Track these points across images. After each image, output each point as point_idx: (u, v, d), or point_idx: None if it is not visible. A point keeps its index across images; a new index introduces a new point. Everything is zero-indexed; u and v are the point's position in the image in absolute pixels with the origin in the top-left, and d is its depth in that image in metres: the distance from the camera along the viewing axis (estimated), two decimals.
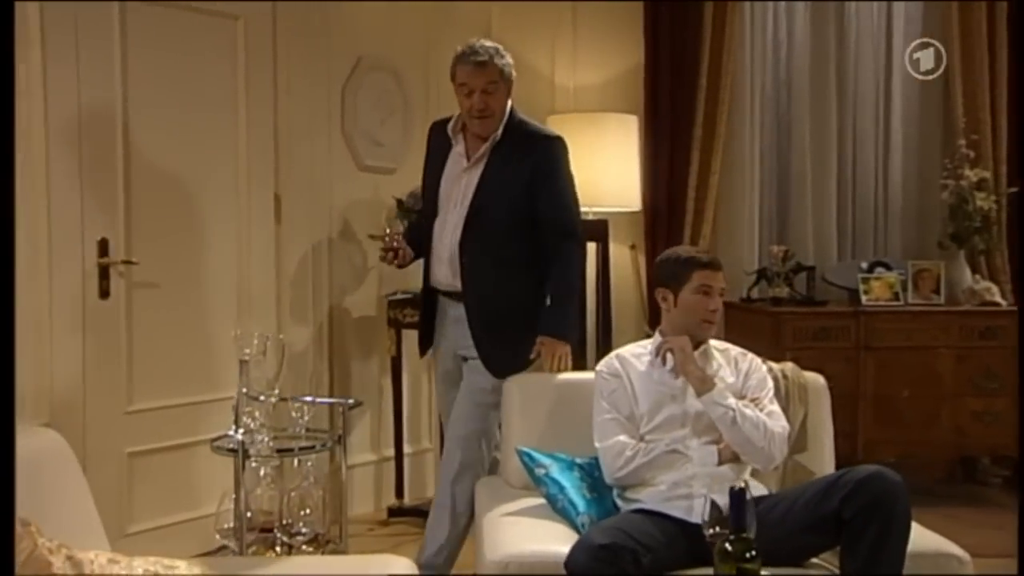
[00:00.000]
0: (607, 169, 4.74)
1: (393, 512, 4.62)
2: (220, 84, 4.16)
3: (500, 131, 3.39)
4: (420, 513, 4.20)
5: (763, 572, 2.64)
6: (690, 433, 2.95)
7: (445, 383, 3.63)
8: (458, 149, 3.47)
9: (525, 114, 4.89)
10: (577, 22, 5.18)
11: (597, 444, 2.99)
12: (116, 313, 3.83)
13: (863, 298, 4.96)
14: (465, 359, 3.47)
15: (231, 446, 2.87)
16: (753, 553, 1.92)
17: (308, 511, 2.86)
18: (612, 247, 4.85)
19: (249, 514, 2.83)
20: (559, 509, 2.94)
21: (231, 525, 2.86)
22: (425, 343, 3.65)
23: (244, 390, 2.93)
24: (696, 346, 3.02)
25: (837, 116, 5.37)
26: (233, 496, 2.81)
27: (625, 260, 5.23)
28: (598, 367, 3.14)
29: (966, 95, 5.18)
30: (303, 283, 4.46)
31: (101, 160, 3.77)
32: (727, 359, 3.12)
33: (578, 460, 3.07)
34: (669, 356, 3.01)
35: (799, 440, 3.25)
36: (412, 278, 4.13)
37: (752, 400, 3.00)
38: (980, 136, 5.14)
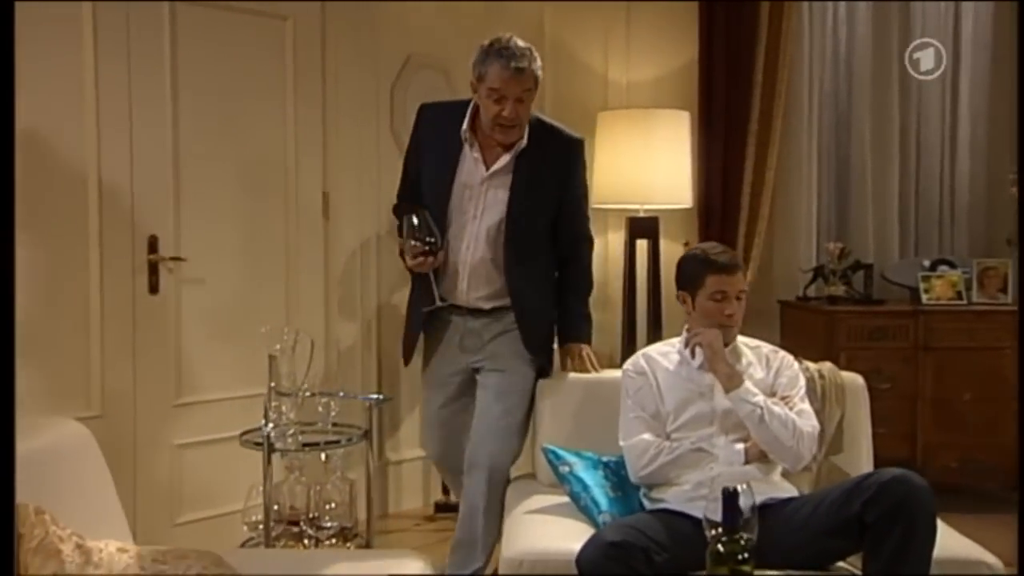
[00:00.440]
0: (658, 166, 4.68)
1: (440, 508, 4.64)
2: (269, 83, 4.22)
3: (525, 139, 3.23)
4: None
5: (787, 575, 2.62)
6: (717, 431, 2.92)
7: (442, 394, 3.41)
8: (474, 155, 3.24)
9: (569, 109, 4.92)
10: (631, 19, 5.13)
11: (621, 442, 2.97)
12: (165, 308, 3.92)
13: (923, 297, 4.84)
14: (477, 370, 3.35)
15: (258, 440, 2.92)
16: (747, 555, 1.89)
17: (333, 505, 2.89)
18: (663, 244, 4.80)
19: (276, 507, 2.87)
20: (582, 507, 2.93)
21: (259, 518, 2.91)
22: (411, 352, 3.45)
23: (272, 384, 2.97)
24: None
25: (900, 112, 5.24)
26: (260, 489, 2.86)
27: (677, 257, 5.16)
28: (625, 366, 3.12)
29: None
30: (351, 280, 4.51)
31: (150, 159, 3.86)
32: (758, 356, 3.08)
33: (604, 458, 3.06)
34: (698, 350, 2.98)
35: (835, 441, 3.19)
36: None
37: (782, 398, 2.95)
38: None
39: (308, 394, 3.03)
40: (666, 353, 3.10)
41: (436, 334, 3.40)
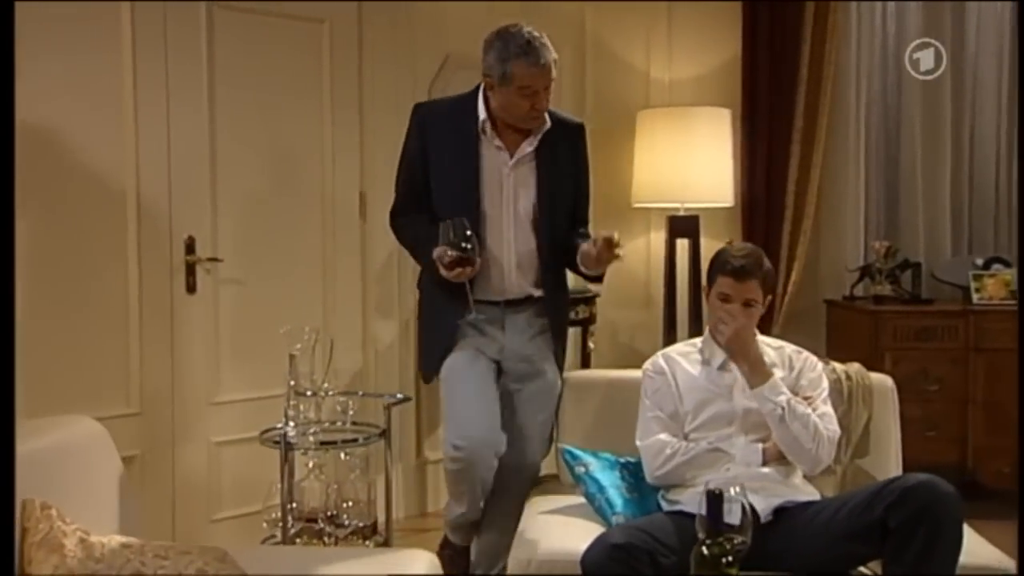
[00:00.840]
0: (698, 164, 4.63)
1: None
2: (305, 84, 4.27)
3: (549, 122, 3.20)
4: None
5: None
6: (736, 431, 2.89)
7: (482, 380, 3.20)
8: (496, 143, 3.19)
9: (610, 108, 4.89)
10: (672, 17, 5.08)
11: (638, 442, 2.95)
12: (203, 308, 3.99)
13: (974, 296, 4.71)
14: (503, 366, 3.26)
15: (276, 439, 2.95)
16: (731, 559, 1.85)
17: (350, 503, 2.91)
18: (704, 243, 4.74)
19: (294, 504, 2.91)
20: (596, 508, 2.91)
21: (279, 515, 2.95)
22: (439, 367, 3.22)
23: (292, 383, 3.01)
24: None
25: (952, 109, 5.10)
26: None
27: None
28: (644, 365, 3.09)
29: None
30: (388, 279, 4.54)
31: (187, 161, 3.93)
32: (781, 357, 3.03)
33: (623, 459, 3.04)
34: (719, 353, 2.95)
35: (861, 444, 3.14)
36: None
37: (804, 399, 2.90)
38: None
39: (329, 393, 3.05)
40: (687, 353, 3.07)
41: (490, 336, 3.26)
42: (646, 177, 4.72)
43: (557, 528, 2.82)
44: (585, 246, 3.14)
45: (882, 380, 3.22)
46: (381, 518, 3.14)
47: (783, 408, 2.80)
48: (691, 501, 2.80)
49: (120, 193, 3.78)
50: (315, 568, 2.39)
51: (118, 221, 3.78)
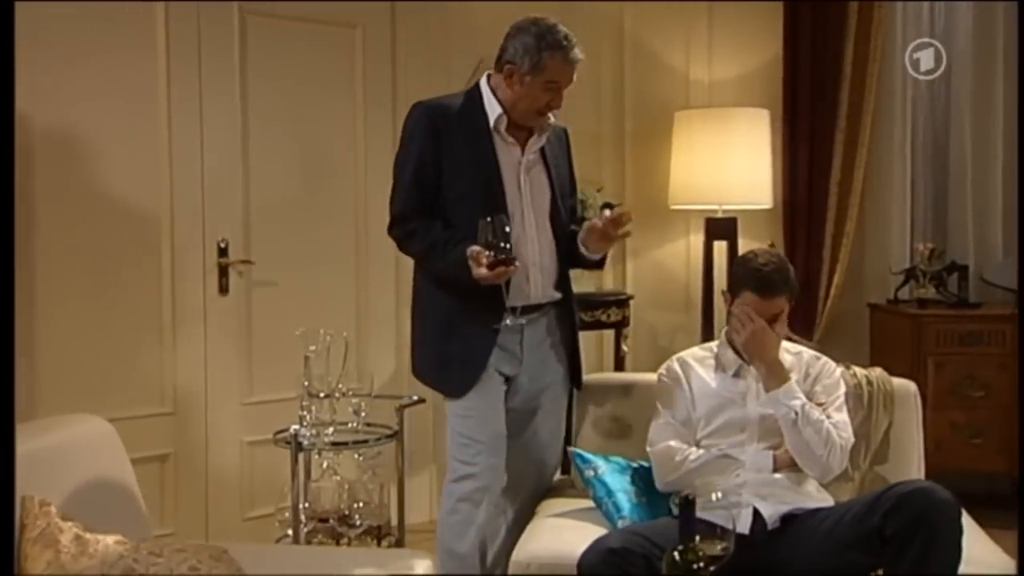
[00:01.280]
0: (736, 166, 4.57)
1: None
2: (338, 87, 4.32)
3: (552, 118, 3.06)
4: None
5: None
6: (748, 438, 2.85)
7: (497, 401, 3.01)
8: (510, 141, 3.02)
9: (649, 108, 4.84)
10: (713, 17, 5.02)
11: (648, 448, 2.93)
12: (235, 310, 4.06)
13: None
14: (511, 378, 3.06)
15: (288, 439, 2.99)
16: (701, 565, 1.83)
17: (361, 504, 2.93)
18: (742, 245, 4.67)
19: (305, 505, 2.93)
20: (604, 512, 2.90)
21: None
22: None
23: (306, 384, 3.04)
24: None
25: (1004, 108, 4.95)
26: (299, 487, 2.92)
27: None
28: (659, 370, 3.07)
29: None
30: None
31: (221, 163, 4.00)
32: (799, 362, 2.98)
33: (634, 464, 3.02)
34: (733, 358, 2.91)
35: (881, 450, 3.07)
36: None
37: (817, 405, 2.85)
38: None
39: (344, 394, 3.08)
40: (702, 358, 3.03)
41: (511, 350, 3.06)
42: (683, 179, 4.67)
43: (562, 531, 2.81)
44: (591, 221, 3.00)
45: (904, 386, 3.14)
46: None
47: (796, 413, 2.75)
48: (698, 506, 2.77)
49: (154, 196, 3.87)
50: (312, 566, 2.42)
51: (152, 224, 3.87)
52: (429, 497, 4.61)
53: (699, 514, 2.69)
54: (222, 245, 4.01)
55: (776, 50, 4.89)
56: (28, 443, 2.31)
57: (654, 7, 5.00)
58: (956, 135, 5.01)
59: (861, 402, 3.07)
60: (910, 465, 3.05)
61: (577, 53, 2.96)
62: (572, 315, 3.19)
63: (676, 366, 3.02)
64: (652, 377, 3.18)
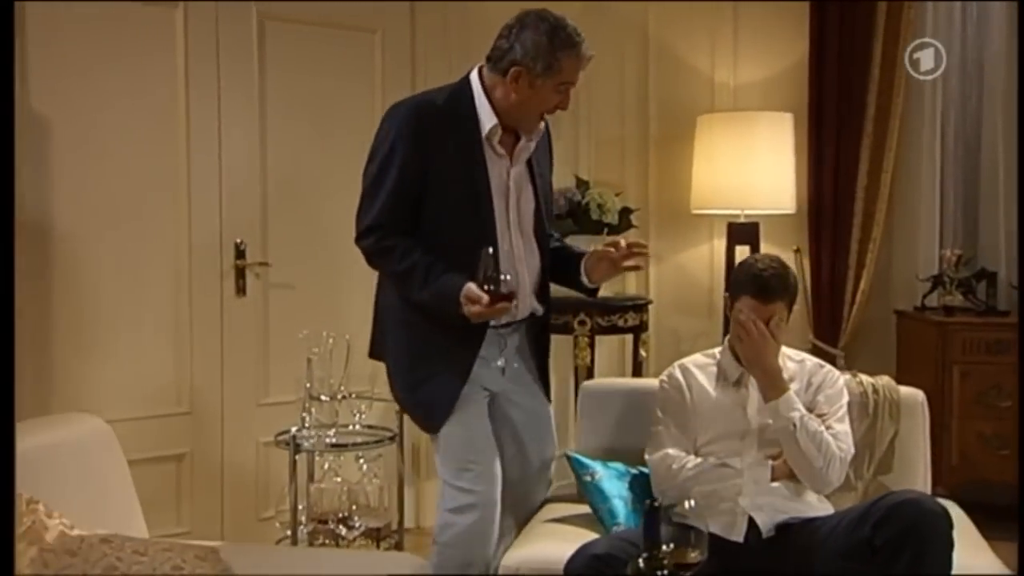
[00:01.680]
0: (759, 170, 4.51)
1: None
2: (357, 91, 4.34)
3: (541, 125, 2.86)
4: None
5: None
6: (747, 447, 2.81)
7: (483, 412, 2.88)
8: (499, 150, 2.81)
9: (673, 112, 4.79)
10: (738, 19, 4.97)
11: (646, 456, 2.90)
12: (252, 311, 4.10)
13: None
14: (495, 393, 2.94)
15: (288, 441, 3.01)
16: (666, 573, 1.81)
17: (356, 505, 2.95)
18: (764, 249, 4.60)
19: (302, 506, 2.95)
20: (599, 518, 2.88)
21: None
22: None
23: (308, 386, 3.05)
24: None
25: None
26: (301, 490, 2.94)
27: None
28: (661, 376, 3.04)
29: None
30: None
31: (238, 165, 4.05)
32: (801, 371, 2.93)
33: (634, 470, 2.99)
34: (735, 367, 2.87)
35: (885, 460, 3.01)
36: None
37: (818, 416, 2.80)
38: None
39: (344, 397, 3.09)
40: (704, 365, 3.00)
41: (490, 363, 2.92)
42: (705, 183, 4.63)
43: (554, 537, 2.79)
44: (602, 249, 2.83)
45: (912, 394, 3.08)
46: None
47: (795, 424, 2.71)
48: (693, 514, 2.74)
49: (172, 198, 3.92)
50: (298, 567, 2.43)
51: (170, 225, 3.92)
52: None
53: (692, 521, 2.70)
54: (240, 247, 4.05)
55: (802, 52, 4.82)
56: (21, 441, 2.34)
57: (678, 8, 4.96)
58: (988, 138, 4.90)
59: (866, 410, 3.02)
60: (915, 476, 2.99)
61: (588, 48, 2.75)
62: (545, 330, 3.04)
63: (678, 373, 2.99)
64: (651, 382, 3.16)
